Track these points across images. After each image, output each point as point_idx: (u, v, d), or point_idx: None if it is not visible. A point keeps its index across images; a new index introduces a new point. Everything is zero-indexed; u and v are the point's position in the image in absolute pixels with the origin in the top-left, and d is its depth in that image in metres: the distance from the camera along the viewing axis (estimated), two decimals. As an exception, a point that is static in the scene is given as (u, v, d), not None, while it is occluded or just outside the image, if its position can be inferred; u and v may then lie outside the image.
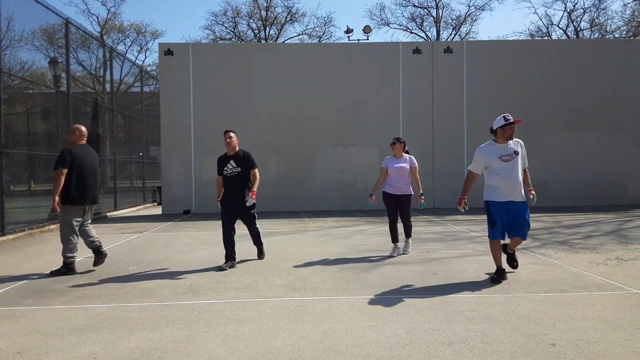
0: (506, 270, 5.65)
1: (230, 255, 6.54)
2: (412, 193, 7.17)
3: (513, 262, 5.90)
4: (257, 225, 6.97)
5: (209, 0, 60.85)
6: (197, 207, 14.35)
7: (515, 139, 5.45)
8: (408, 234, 7.28)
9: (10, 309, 4.66)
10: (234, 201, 6.60)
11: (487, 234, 9.19)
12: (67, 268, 6.20)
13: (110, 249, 8.03)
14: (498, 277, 5.44)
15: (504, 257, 5.78)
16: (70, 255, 6.23)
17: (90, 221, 6.63)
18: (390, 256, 7.04)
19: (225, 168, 6.70)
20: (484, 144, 5.55)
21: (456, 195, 16.59)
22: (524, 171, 5.56)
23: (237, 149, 6.80)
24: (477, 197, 16.60)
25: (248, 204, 6.55)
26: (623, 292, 4.92)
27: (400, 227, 7.21)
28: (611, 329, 3.84)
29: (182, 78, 14.34)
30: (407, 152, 7.33)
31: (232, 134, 6.80)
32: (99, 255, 6.40)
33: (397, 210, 7.19)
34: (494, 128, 5.46)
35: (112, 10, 51.22)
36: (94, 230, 6.59)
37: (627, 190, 15.00)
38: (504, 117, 5.40)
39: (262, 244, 7.13)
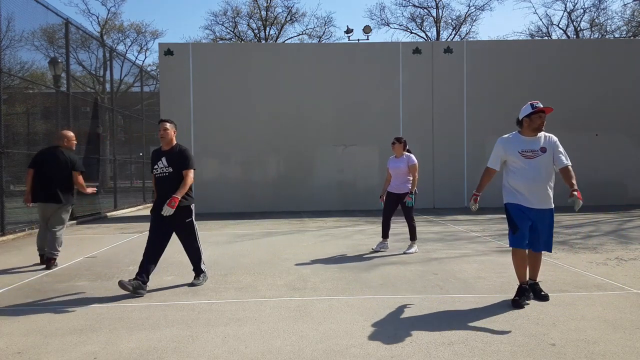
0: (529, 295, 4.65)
1: (140, 273, 5.21)
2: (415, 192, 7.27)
3: (540, 292, 4.66)
4: (199, 242, 5.68)
5: (209, 0, 60.88)
6: (197, 207, 14.27)
7: (547, 133, 4.56)
8: (411, 235, 7.34)
9: (10, 309, 4.66)
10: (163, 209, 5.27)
11: (487, 234, 9.18)
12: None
13: (110, 249, 8.04)
14: (519, 297, 4.49)
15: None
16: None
17: (56, 226, 6.65)
18: (375, 250, 7.34)
19: (156, 166, 5.43)
20: (507, 134, 4.68)
21: (456, 195, 16.75)
22: (566, 169, 4.50)
23: (174, 143, 5.48)
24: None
25: (164, 213, 5.21)
26: (623, 292, 4.92)
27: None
28: (611, 329, 3.83)
29: (182, 78, 14.34)
30: (408, 151, 7.38)
31: (167, 125, 5.43)
32: (46, 262, 6.56)
33: (393, 208, 7.42)
34: (520, 118, 4.59)
35: (112, 10, 51.23)
36: (59, 240, 6.66)
37: (627, 190, 15.00)
38: (531, 104, 4.52)
39: (199, 261, 5.65)
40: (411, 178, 7.22)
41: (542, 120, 4.50)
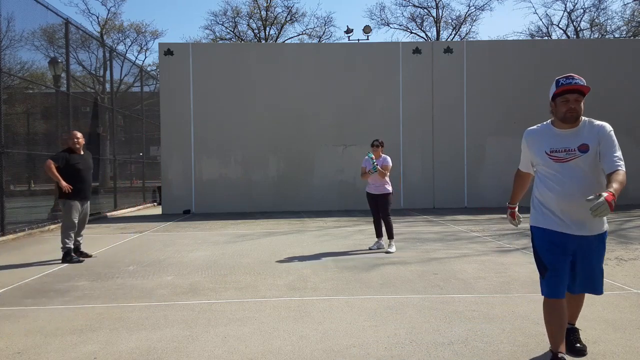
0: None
1: None
2: (390, 191, 7.53)
3: (574, 344, 3.31)
4: None
5: (209, 0, 60.88)
6: (197, 207, 14.35)
7: (595, 121, 3.10)
8: (389, 234, 7.47)
9: (10, 309, 4.66)
10: None
11: (487, 234, 9.16)
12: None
13: (110, 249, 8.04)
14: None
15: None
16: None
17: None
18: (370, 249, 7.55)
19: None
20: (536, 125, 3.24)
21: (456, 195, 16.74)
22: (614, 175, 2.87)
23: None
24: (477, 195, 16.50)
25: None
26: (623, 292, 4.91)
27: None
28: (611, 329, 3.83)
29: (182, 78, 14.34)
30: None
31: None
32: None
33: (378, 208, 7.61)
34: (550, 100, 3.10)
35: (112, 10, 51.01)
36: (63, 233, 7.10)
37: (627, 190, 14.90)
38: (557, 80, 3.02)
39: None
40: (387, 179, 7.51)
41: (571, 108, 2.97)
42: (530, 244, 3.25)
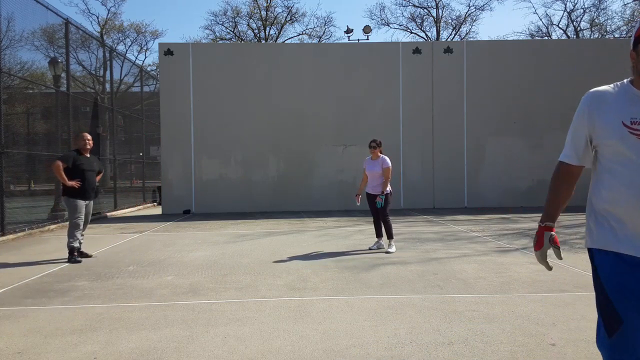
0: None
1: None
2: (388, 191, 7.53)
3: None
4: None
5: (209, 0, 60.89)
6: (197, 207, 14.35)
7: None
8: (388, 234, 7.48)
9: (10, 309, 4.66)
10: None
11: (487, 234, 9.16)
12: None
13: (110, 249, 8.04)
14: None
15: None
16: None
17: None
18: (370, 249, 7.56)
19: None
20: (606, 86, 2.11)
21: (456, 195, 16.70)
22: None
23: None
24: (477, 195, 16.54)
25: None
26: (623, 292, 4.90)
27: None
28: (611, 329, 3.83)
29: (182, 78, 14.34)
30: (381, 152, 7.74)
31: None
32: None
33: (376, 208, 7.64)
34: (631, 48, 2.01)
35: (112, 10, 50.97)
36: (70, 232, 7.17)
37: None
38: None
39: None
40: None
41: None
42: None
